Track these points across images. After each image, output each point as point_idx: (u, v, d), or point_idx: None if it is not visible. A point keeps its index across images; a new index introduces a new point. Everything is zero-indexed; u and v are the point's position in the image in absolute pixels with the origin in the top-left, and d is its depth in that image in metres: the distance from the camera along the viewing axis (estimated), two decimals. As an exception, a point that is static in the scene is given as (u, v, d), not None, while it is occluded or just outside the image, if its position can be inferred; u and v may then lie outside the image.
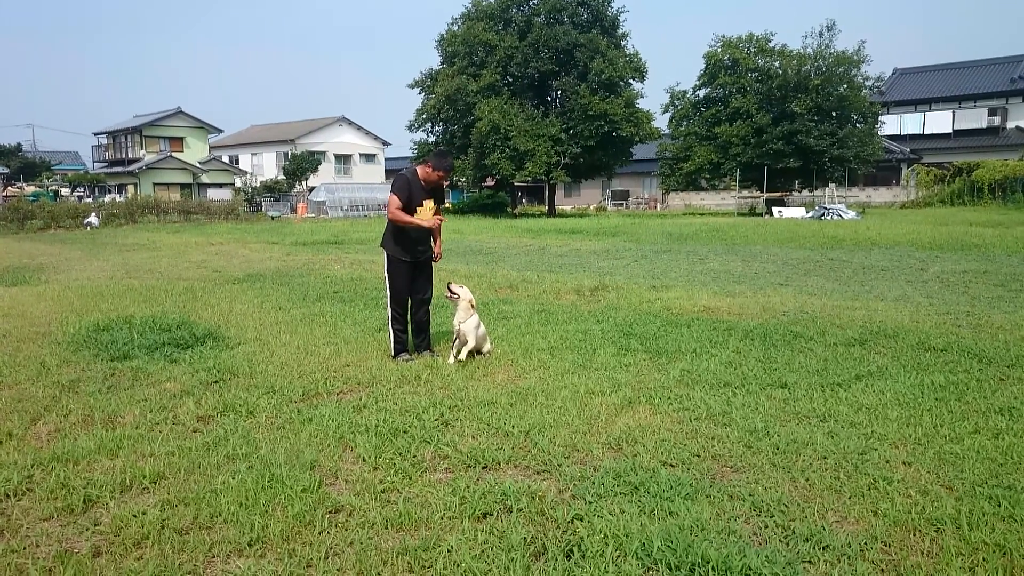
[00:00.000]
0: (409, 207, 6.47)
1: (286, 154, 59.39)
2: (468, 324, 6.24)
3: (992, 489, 3.55)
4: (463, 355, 6.18)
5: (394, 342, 6.62)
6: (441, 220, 6.71)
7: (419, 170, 6.58)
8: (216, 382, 5.76)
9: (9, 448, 4.34)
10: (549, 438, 4.38)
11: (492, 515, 3.40)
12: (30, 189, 50.96)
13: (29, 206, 34.52)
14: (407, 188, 6.48)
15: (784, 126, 38.01)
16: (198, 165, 56.78)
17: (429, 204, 6.58)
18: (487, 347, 6.59)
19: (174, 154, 56.53)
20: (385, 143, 68.36)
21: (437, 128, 42.95)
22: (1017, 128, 48.32)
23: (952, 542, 3.07)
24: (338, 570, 2.96)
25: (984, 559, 2.93)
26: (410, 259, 6.60)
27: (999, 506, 3.37)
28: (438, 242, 6.89)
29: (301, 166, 54.59)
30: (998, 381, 5.48)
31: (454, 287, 6.46)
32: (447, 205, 49.78)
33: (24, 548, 3.16)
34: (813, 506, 3.43)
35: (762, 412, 4.82)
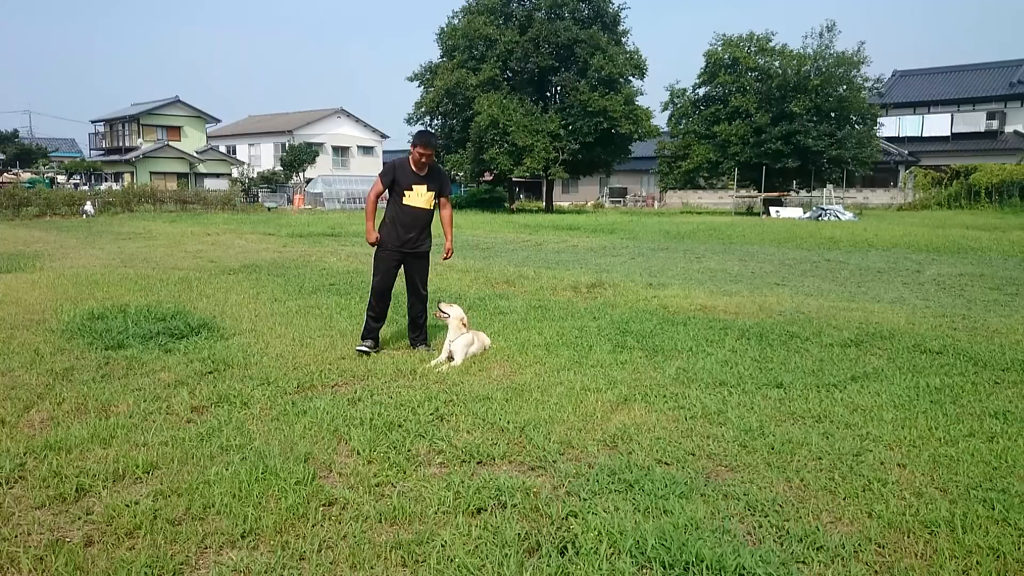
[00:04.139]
0: (394, 191, 6.42)
1: (284, 145, 59.23)
2: (459, 343, 6.15)
3: (986, 492, 3.55)
4: (444, 368, 5.93)
5: (364, 327, 6.59)
6: (450, 248, 6.77)
7: (410, 156, 6.50)
8: (210, 372, 5.74)
9: (1, 435, 4.32)
10: (544, 434, 4.37)
11: (486, 510, 3.39)
12: (26, 176, 50.72)
13: (25, 193, 34.35)
14: (391, 172, 6.43)
15: (783, 126, 37.98)
16: (195, 155, 56.54)
17: (420, 189, 6.40)
18: (487, 342, 6.57)
19: (171, 143, 56.26)
20: (383, 136, 68.20)
21: (436, 122, 42.82)
22: (1015, 132, 48.38)
23: (946, 545, 3.07)
24: (331, 563, 2.95)
25: (978, 562, 2.93)
26: (397, 248, 6.47)
27: (993, 509, 3.37)
28: (448, 237, 6.73)
29: (299, 157, 54.45)
30: (993, 384, 5.48)
31: (444, 307, 6.36)
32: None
33: (16, 536, 3.14)
34: (808, 507, 3.43)
35: (757, 412, 4.82)
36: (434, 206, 6.58)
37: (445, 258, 6.83)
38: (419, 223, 6.50)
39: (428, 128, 43.07)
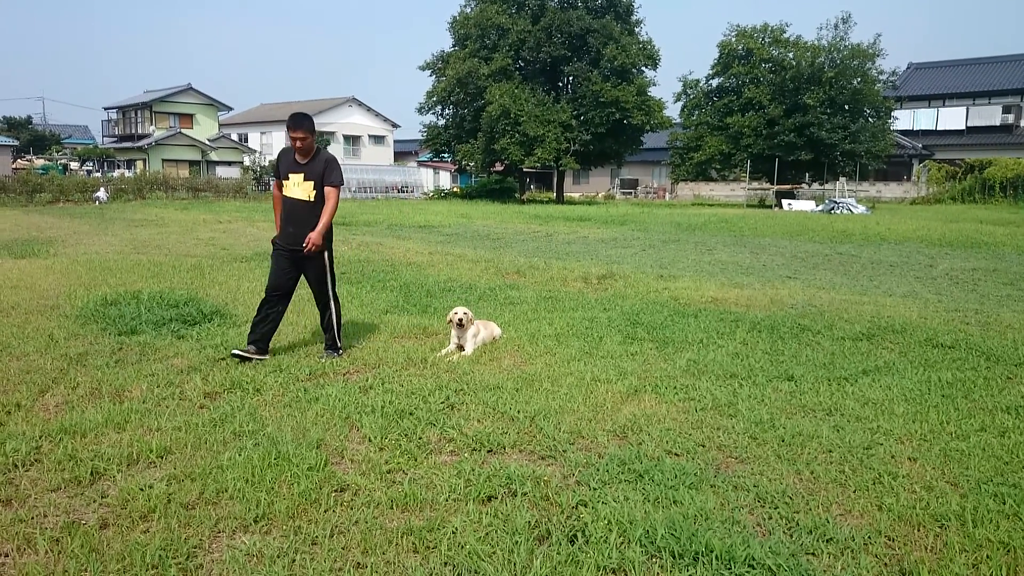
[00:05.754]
0: (280, 182, 5.99)
1: (295, 133, 59.16)
2: (467, 333, 6.18)
3: (997, 487, 3.54)
4: (455, 358, 5.95)
5: (250, 326, 6.04)
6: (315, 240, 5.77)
7: None
8: (223, 359, 5.78)
9: (17, 419, 4.37)
10: (554, 424, 4.38)
11: (497, 498, 3.41)
12: (39, 162, 51.02)
13: (38, 179, 34.52)
14: (278, 163, 6.02)
15: (796, 118, 37.77)
16: (207, 142, 56.68)
17: (297, 179, 5.84)
18: (497, 332, 6.58)
19: (183, 131, 56.41)
20: (395, 125, 68.16)
21: (447, 111, 42.79)
22: (1031, 126, 47.93)
23: (956, 538, 3.07)
24: (343, 548, 2.97)
25: (988, 556, 2.93)
26: (284, 245, 5.92)
27: (1004, 504, 3.37)
28: (318, 226, 5.77)
29: (310, 146, 54.40)
30: (1005, 379, 5.46)
31: (460, 317, 6.12)
32: (441, 189, 49.50)
33: (32, 518, 3.19)
34: (818, 499, 3.43)
35: (768, 404, 4.82)
36: (315, 197, 5.89)
37: (306, 249, 5.77)
38: (299, 216, 5.85)
39: (440, 117, 42.97)
